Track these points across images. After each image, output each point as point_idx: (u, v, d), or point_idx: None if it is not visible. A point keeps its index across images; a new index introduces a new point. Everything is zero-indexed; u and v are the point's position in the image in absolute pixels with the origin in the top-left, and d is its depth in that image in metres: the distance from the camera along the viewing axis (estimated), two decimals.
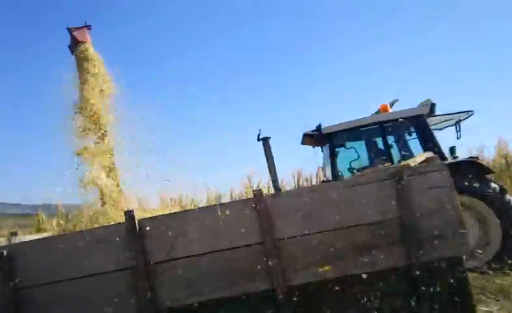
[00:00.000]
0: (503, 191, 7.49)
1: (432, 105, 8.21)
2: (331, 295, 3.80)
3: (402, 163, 4.10)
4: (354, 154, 8.55)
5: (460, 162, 7.72)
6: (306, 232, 3.82)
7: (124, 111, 7.54)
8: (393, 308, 3.81)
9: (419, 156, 4.29)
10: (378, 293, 3.81)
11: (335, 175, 8.28)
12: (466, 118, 8.75)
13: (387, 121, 8.27)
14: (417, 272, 3.76)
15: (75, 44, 7.21)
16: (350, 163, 8.54)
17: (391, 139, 8.39)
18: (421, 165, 3.97)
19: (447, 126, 9.13)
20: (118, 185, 7.50)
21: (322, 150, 9.48)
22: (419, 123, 8.14)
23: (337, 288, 3.79)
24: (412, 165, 3.97)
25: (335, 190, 3.88)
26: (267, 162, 8.35)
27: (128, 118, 7.56)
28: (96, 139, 7.27)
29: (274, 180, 8.50)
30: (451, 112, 8.59)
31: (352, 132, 8.39)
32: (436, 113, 8.53)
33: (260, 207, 3.82)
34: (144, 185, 7.78)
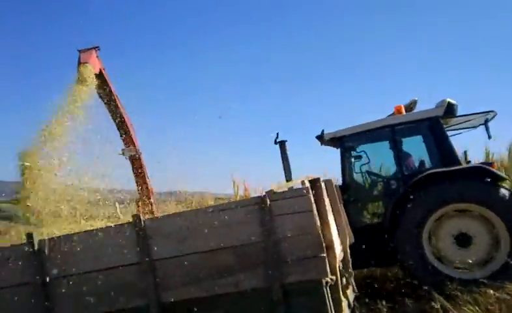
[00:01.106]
0: None
1: (450, 106, 7.81)
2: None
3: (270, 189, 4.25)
4: (365, 159, 8.48)
5: (469, 168, 7.40)
6: (179, 254, 4.18)
7: None
8: None
9: (302, 177, 4.40)
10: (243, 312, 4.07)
11: (345, 180, 8.26)
12: (493, 117, 8.29)
13: (398, 124, 7.97)
14: (277, 294, 3.96)
15: (78, 64, 7.65)
16: (360, 168, 8.51)
17: (402, 144, 8.15)
18: (284, 191, 4.14)
19: (481, 125, 8.62)
20: None
21: None
22: (433, 126, 7.78)
23: (206, 306, 4.10)
24: (277, 190, 4.14)
25: (206, 215, 4.19)
26: (283, 165, 8.64)
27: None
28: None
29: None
30: (473, 112, 8.17)
31: (359, 137, 8.24)
32: (459, 114, 8.20)
33: (138, 230, 4.23)
34: None
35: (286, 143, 8.49)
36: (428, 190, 7.15)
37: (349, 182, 8.20)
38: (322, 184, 4.38)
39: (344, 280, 4.93)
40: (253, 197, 4.20)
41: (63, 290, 4.34)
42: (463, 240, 7.15)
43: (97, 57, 7.96)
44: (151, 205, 8.75)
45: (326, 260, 3.94)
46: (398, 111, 8.08)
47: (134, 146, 8.76)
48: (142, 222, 4.27)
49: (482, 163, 7.96)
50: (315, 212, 4.00)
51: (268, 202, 4.04)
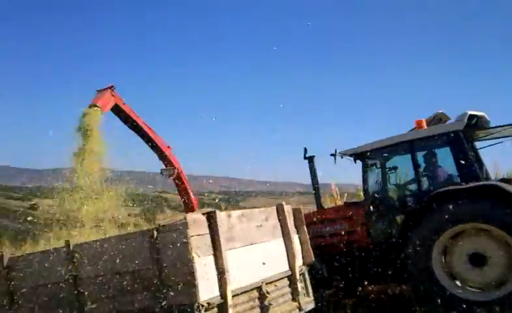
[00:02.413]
0: None
1: (472, 119, 7.47)
2: None
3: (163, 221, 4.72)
4: (386, 174, 8.44)
5: (481, 186, 6.99)
6: (94, 275, 4.92)
7: None
8: None
9: (198, 211, 4.76)
10: None
11: (366, 194, 8.32)
12: None
13: (417, 139, 7.81)
14: None
15: (90, 105, 8.21)
16: (381, 183, 8.46)
17: (422, 159, 7.95)
18: (167, 224, 4.60)
19: None
20: None
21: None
22: (453, 141, 7.50)
23: None
24: (163, 224, 4.62)
25: (115, 242, 4.85)
26: (311, 179, 8.96)
27: None
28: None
29: (317, 197, 9.04)
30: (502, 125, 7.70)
31: (380, 152, 8.19)
32: (490, 126, 7.85)
33: (67, 254, 5.05)
34: None
35: (315, 158, 8.75)
36: (439, 208, 6.93)
37: (370, 196, 8.18)
38: (218, 216, 4.74)
39: (268, 299, 5.20)
40: (146, 229, 4.74)
41: (18, 301, 5.34)
42: (478, 259, 6.82)
43: (112, 95, 8.59)
44: None
45: (199, 287, 4.34)
46: (419, 125, 7.84)
47: (172, 166, 9.60)
48: (71, 247, 5.05)
49: (500, 180, 7.42)
50: (192, 243, 4.40)
51: (156, 234, 4.56)
